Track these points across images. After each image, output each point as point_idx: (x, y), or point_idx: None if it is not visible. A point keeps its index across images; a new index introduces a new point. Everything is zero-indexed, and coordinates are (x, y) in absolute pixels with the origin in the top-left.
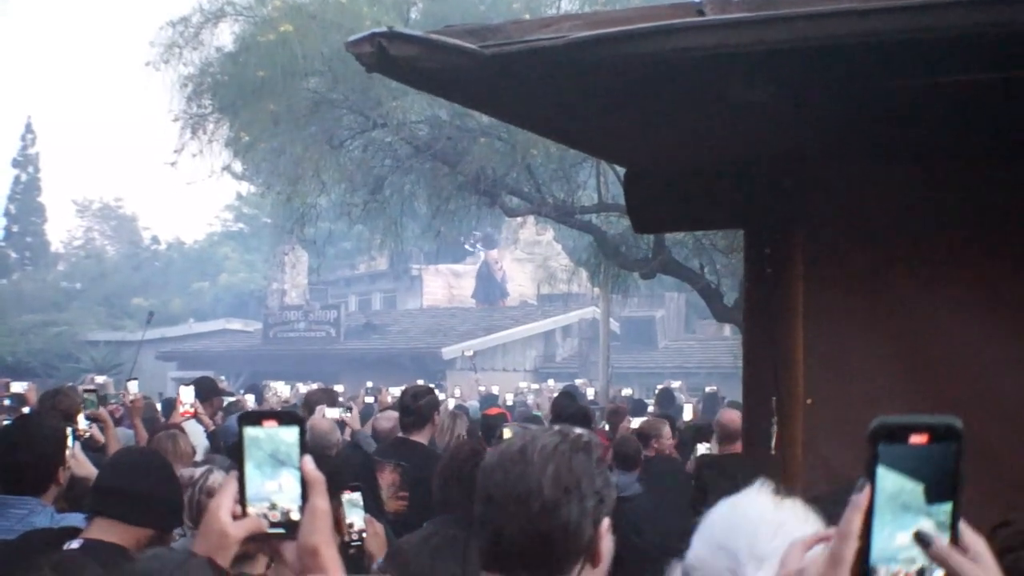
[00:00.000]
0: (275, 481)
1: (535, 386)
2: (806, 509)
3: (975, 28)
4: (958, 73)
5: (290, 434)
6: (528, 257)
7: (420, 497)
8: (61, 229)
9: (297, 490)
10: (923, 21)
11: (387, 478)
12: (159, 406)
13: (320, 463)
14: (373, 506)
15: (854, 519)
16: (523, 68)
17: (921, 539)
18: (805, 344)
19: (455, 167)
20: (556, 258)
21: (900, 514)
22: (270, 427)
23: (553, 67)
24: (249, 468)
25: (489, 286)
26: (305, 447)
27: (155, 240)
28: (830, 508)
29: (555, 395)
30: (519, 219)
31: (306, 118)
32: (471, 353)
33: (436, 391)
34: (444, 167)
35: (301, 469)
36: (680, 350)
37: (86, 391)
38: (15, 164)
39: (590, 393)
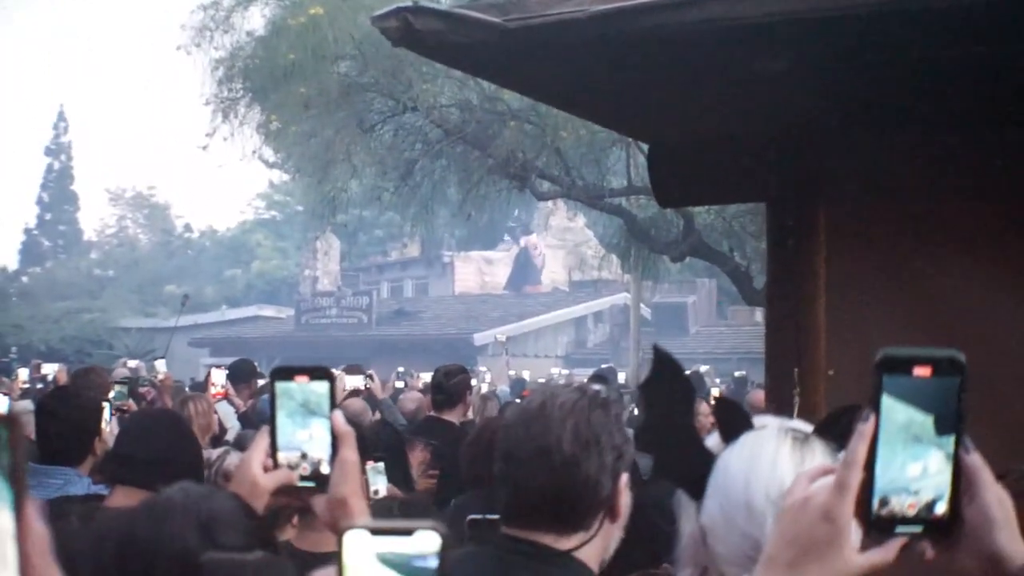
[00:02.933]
0: (306, 431)
1: (566, 372)
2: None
3: None
4: (977, 44)
5: (321, 387)
6: (559, 244)
7: (450, 475)
8: (94, 217)
9: (327, 440)
10: None
11: (418, 456)
12: (188, 389)
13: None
14: (403, 483)
15: (859, 448)
16: (545, 41)
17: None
18: (826, 315)
19: (485, 151)
20: (587, 244)
21: (911, 445)
22: (301, 381)
23: (575, 40)
24: (280, 418)
25: (526, 272)
26: (335, 402)
27: (188, 228)
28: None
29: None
30: (550, 205)
31: (336, 102)
32: (503, 338)
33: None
34: (474, 151)
35: (331, 422)
36: (711, 336)
37: (116, 383)
38: (48, 152)
39: (621, 377)
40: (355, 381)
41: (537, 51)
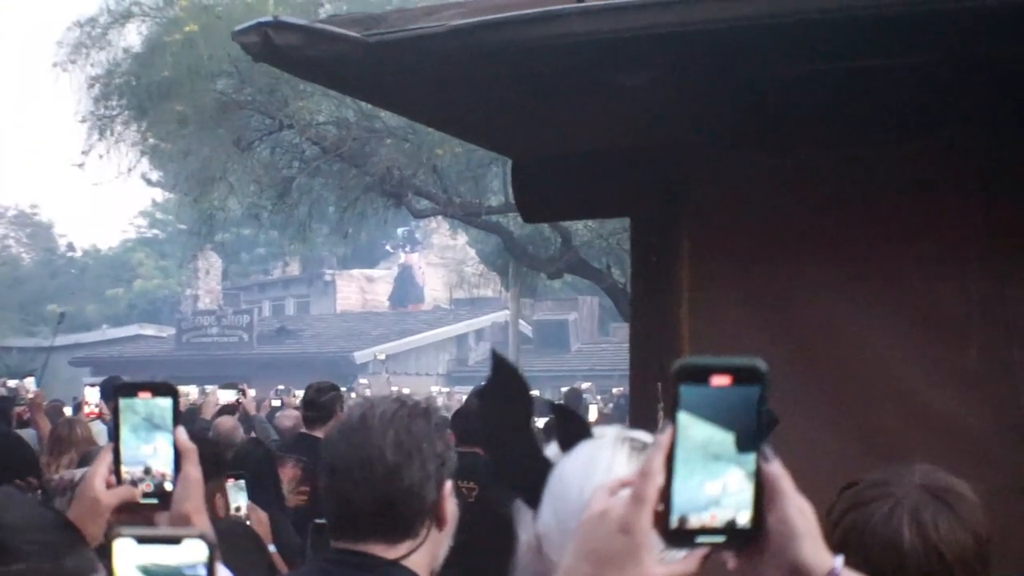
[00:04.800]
0: (150, 445)
1: (446, 390)
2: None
3: (848, 13)
4: (842, 60)
5: (164, 402)
6: (441, 262)
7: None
8: None
9: (171, 455)
10: (792, 6)
11: (288, 473)
12: (70, 410)
13: (201, 445)
14: (275, 499)
15: (656, 458)
16: (406, 56)
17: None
18: (689, 331)
19: (362, 168)
20: (469, 262)
21: (710, 463)
22: (145, 397)
23: (435, 55)
24: (124, 432)
25: (407, 289)
26: (179, 417)
27: (70, 247)
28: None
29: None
30: (433, 224)
31: (214, 119)
32: (383, 357)
33: (341, 389)
34: (352, 169)
35: (174, 437)
36: (593, 353)
37: None
38: None
39: None
40: (228, 396)
41: (398, 66)
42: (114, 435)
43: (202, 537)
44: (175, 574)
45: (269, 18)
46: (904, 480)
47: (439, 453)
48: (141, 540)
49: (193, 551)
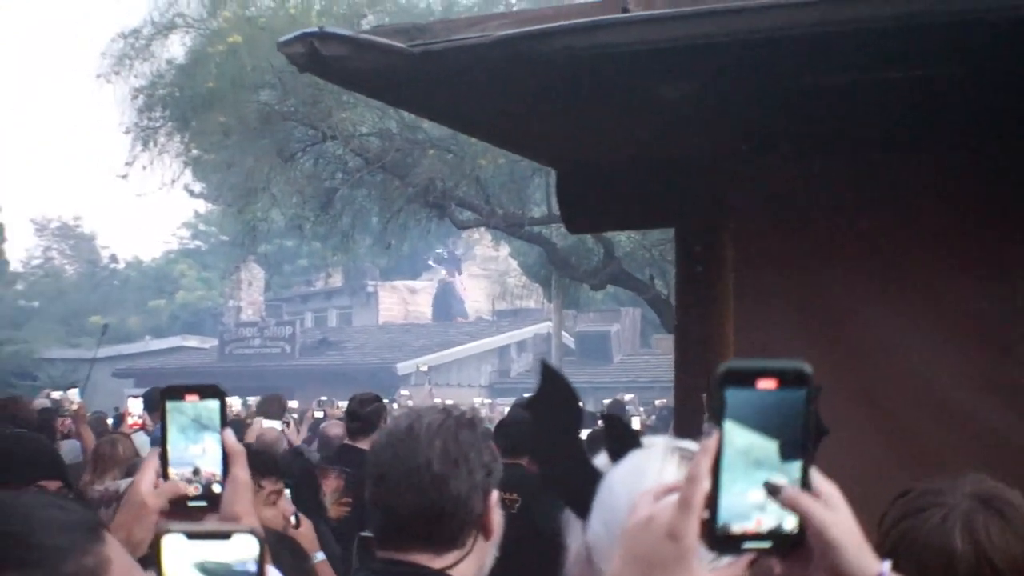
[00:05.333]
0: (198, 445)
1: (489, 401)
2: None
3: (884, 23)
4: (879, 70)
5: (212, 404)
6: (483, 273)
7: (363, 503)
8: (19, 248)
9: (219, 455)
10: (836, 15)
11: (331, 484)
12: (111, 421)
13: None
14: (316, 510)
15: (702, 462)
16: (450, 66)
17: (770, 488)
18: (736, 340)
19: (405, 179)
20: (512, 274)
21: (752, 471)
22: (192, 400)
23: (480, 65)
24: (172, 433)
25: (450, 303)
26: (226, 420)
27: (113, 258)
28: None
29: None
30: (475, 235)
31: (257, 130)
32: (426, 368)
33: (384, 400)
34: (394, 180)
35: (222, 439)
36: (635, 364)
37: None
38: None
39: None
40: (273, 424)
41: (442, 76)
42: (161, 438)
43: (252, 533)
44: (225, 570)
45: (315, 29)
46: (956, 489)
47: (486, 463)
48: (191, 536)
49: (244, 547)
